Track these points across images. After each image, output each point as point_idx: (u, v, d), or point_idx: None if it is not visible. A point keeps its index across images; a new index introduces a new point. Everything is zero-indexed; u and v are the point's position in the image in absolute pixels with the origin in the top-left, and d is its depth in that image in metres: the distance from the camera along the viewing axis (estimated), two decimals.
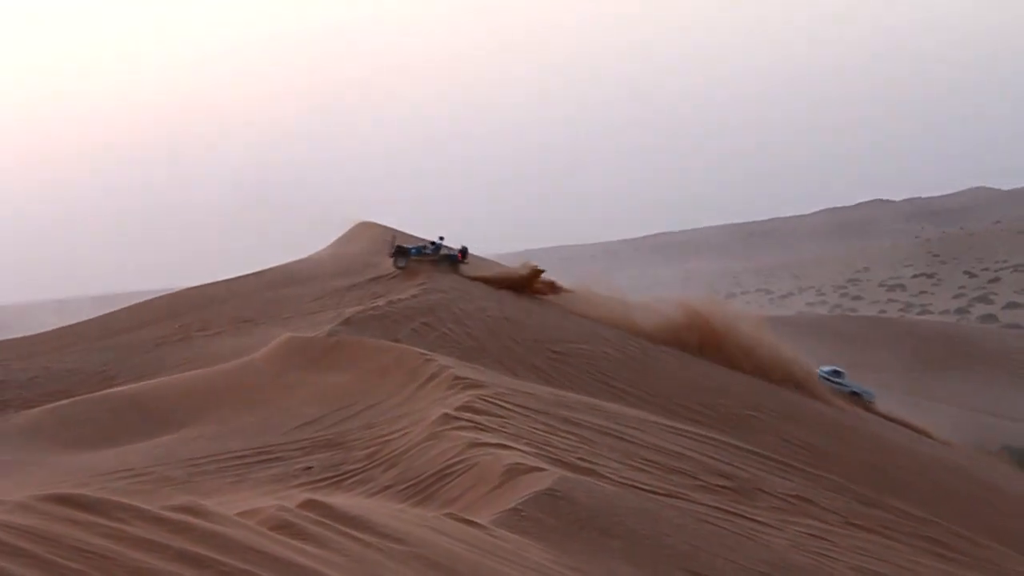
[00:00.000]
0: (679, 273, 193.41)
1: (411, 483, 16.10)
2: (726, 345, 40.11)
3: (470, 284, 41.60)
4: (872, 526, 19.12)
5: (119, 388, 31.99)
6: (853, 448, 31.22)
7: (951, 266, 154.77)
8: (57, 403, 30.85)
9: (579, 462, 16.35)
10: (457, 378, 22.34)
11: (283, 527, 8.58)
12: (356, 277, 43.62)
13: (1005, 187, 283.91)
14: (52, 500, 7.53)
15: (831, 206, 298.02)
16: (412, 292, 38.82)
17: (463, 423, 17.82)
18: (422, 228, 47.83)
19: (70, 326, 47.36)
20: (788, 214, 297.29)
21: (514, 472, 14.11)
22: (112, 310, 50.19)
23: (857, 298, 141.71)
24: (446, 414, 18.47)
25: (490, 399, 19.96)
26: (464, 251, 44.79)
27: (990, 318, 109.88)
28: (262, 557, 7.62)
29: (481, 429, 17.44)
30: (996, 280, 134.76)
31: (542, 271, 43.63)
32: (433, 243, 44.53)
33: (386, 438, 19.80)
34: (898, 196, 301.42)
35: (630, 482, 16.07)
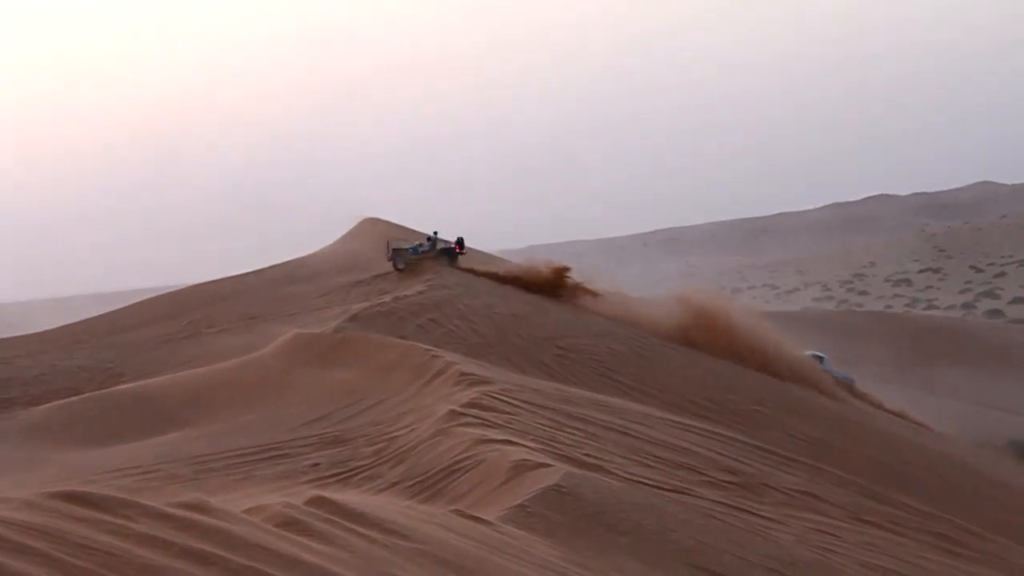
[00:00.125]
0: (685, 268, 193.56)
1: (418, 479, 16.11)
2: (737, 343, 40.10)
3: (476, 280, 41.57)
4: (878, 521, 19.11)
5: (125, 385, 32.04)
6: (859, 443, 31.19)
7: (957, 261, 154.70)
8: (64, 400, 30.91)
9: (585, 458, 16.34)
10: (463, 374, 22.34)
11: (290, 524, 8.58)
12: (362, 273, 43.66)
13: (1011, 182, 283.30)
14: (58, 497, 7.54)
15: (836, 201, 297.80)
16: (418, 288, 38.82)
17: (470, 419, 17.82)
18: (425, 225, 47.87)
19: (76, 323, 47.44)
20: (794, 209, 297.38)
21: (521, 468, 14.11)
22: (114, 308, 50.27)
23: (863, 293, 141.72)
24: (453, 410, 18.47)
25: (496, 395, 19.96)
26: (460, 242, 44.81)
27: (996, 313, 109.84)
28: (268, 554, 7.62)
29: (488, 425, 17.44)
30: (1002, 275, 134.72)
31: (568, 269, 43.28)
32: (428, 238, 44.53)
33: (393, 434, 19.80)
34: (904, 191, 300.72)
35: (636, 478, 16.07)
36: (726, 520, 15.12)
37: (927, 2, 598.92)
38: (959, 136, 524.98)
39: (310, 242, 58.00)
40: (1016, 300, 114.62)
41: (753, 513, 16.22)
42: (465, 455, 15.65)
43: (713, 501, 16.11)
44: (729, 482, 18.06)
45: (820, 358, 46.13)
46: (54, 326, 48.40)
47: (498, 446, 15.53)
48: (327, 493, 10.13)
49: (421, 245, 43.98)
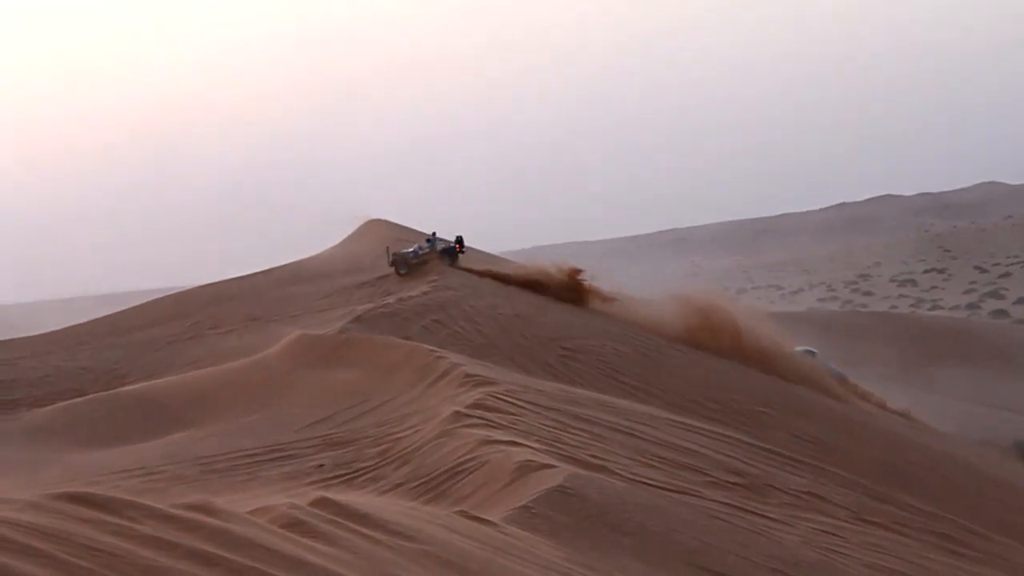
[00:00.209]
0: (689, 269, 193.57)
1: (422, 481, 16.11)
2: (742, 344, 40.10)
3: (481, 281, 41.57)
4: (883, 522, 19.10)
5: (130, 386, 32.07)
6: (863, 444, 31.18)
7: (962, 261, 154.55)
8: (68, 401, 30.94)
9: (590, 459, 16.34)
10: (468, 375, 22.34)
11: (294, 525, 8.59)
12: (366, 275, 43.68)
13: (1016, 182, 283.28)
14: (63, 498, 7.55)
15: (841, 201, 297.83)
16: (423, 289, 38.83)
17: (474, 420, 17.83)
18: (427, 225, 47.84)
19: (80, 325, 47.47)
20: (798, 210, 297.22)
21: (525, 469, 14.11)
22: (116, 309, 50.32)
23: (868, 294, 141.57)
24: (457, 411, 18.47)
25: (501, 396, 19.96)
26: (460, 240, 44.85)
27: (1001, 313, 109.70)
28: (272, 555, 7.63)
29: (492, 426, 17.44)
30: (1007, 275, 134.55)
31: (580, 271, 43.16)
32: (428, 240, 44.54)
33: (397, 436, 19.81)
34: (909, 191, 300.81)
35: (641, 479, 16.07)
36: (730, 521, 15.12)
37: (933, 2, 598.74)
38: (964, 136, 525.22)
39: (311, 243, 58.06)
40: (1021, 300, 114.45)
41: (758, 514, 16.22)
42: (469, 456, 15.66)
43: (718, 502, 16.11)
44: (734, 483, 18.06)
45: (812, 353, 46.12)
46: (57, 327, 48.42)
47: (502, 447, 15.53)
48: (332, 494, 10.14)
49: (421, 247, 43.95)
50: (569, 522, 12.44)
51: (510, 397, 20.03)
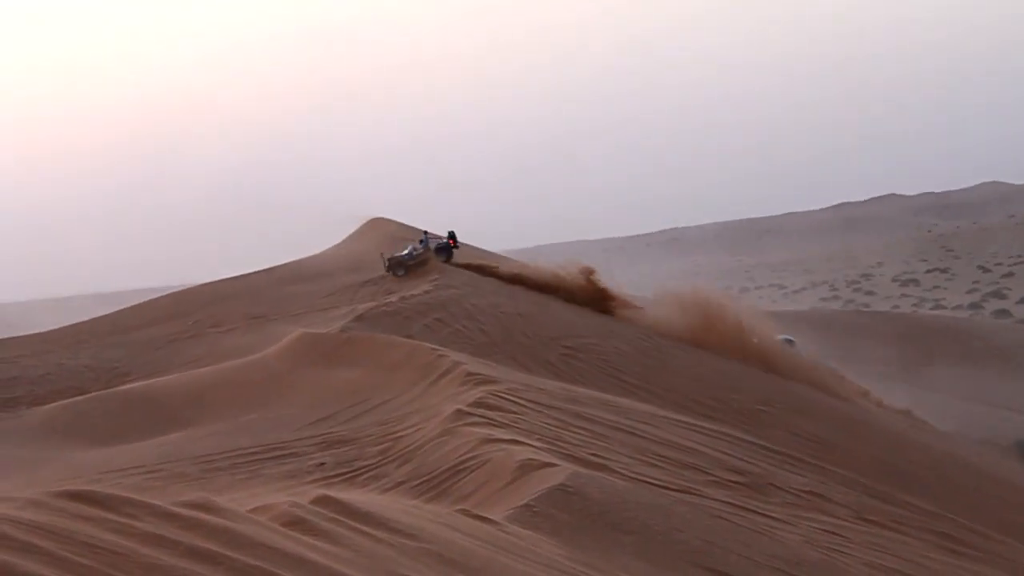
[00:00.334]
0: (691, 268, 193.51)
1: (424, 479, 16.11)
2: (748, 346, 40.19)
3: (482, 280, 41.59)
4: (884, 521, 19.11)
5: (131, 385, 32.09)
6: (864, 443, 31.18)
7: (964, 261, 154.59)
8: (69, 399, 30.95)
9: (591, 458, 16.34)
10: (470, 374, 22.35)
11: (295, 523, 8.59)
12: (368, 273, 43.66)
13: (1019, 182, 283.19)
14: (64, 496, 7.54)
15: (844, 201, 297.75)
16: (424, 288, 38.85)
17: (476, 419, 17.83)
18: (428, 225, 47.75)
19: (81, 323, 47.47)
20: (801, 209, 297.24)
21: (527, 468, 14.11)
22: (115, 308, 50.31)
23: (870, 293, 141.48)
24: (459, 410, 18.48)
25: (503, 395, 19.96)
26: (452, 236, 44.90)
27: (1003, 313, 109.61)
28: (274, 553, 7.63)
29: (494, 425, 17.44)
30: (1010, 275, 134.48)
31: (593, 271, 43.17)
32: (421, 240, 44.52)
33: (399, 434, 19.82)
34: (911, 191, 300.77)
35: (642, 477, 16.06)
36: (732, 520, 15.12)
37: (934, 1, 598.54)
38: (966, 136, 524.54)
39: (311, 242, 57.99)
40: (1023, 300, 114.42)
41: (759, 513, 16.22)
42: (471, 454, 15.66)
43: (719, 501, 16.11)
44: (735, 482, 18.06)
45: (790, 341, 46.15)
46: (55, 326, 48.41)
47: (504, 445, 15.53)
48: (333, 492, 10.14)
49: (415, 248, 43.93)
50: (571, 521, 12.43)
51: (512, 396, 20.04)
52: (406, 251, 43.87)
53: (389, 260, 43.47)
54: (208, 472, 20.50)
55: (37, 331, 48.02)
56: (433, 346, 26.85)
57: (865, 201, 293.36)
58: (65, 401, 30.68)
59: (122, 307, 49.85)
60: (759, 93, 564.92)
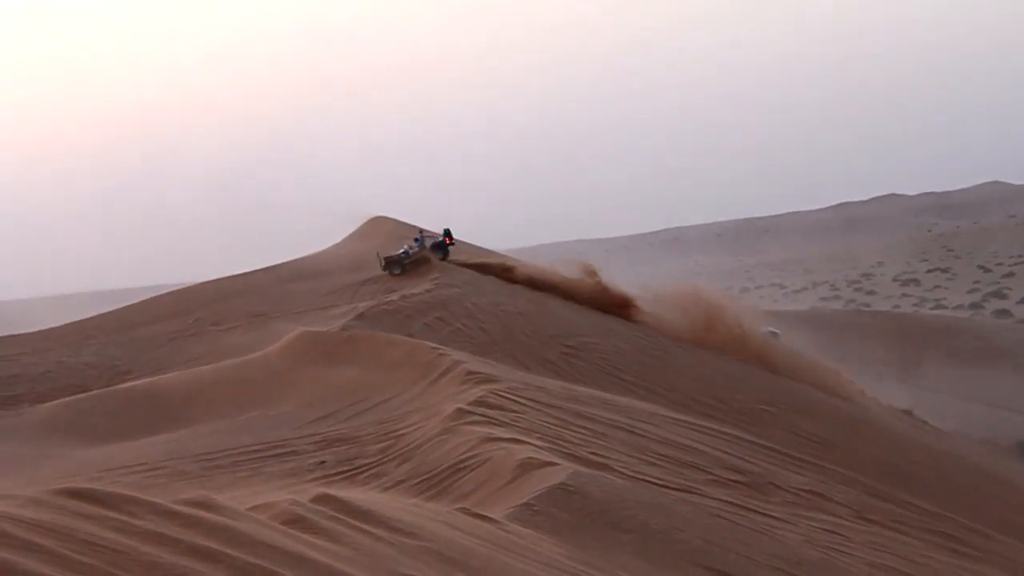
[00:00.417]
0: (693, 268, 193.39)
1: (424, 477, 16.12)
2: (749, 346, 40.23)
3: (483, 278, 41.56)
4: (884, 521, 19.11)
5: (133, 383, 32.07)
6: (865, 442, 31.16)
7: (965, 261, 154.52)
8: (71, 397, 30.94)
9: (592, 456, 16.35)
10: (470, 373, 22.36)
11: (296, 521, 8.59)
12: (369, 272, 43.62)
13: (1019, 182, 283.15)
14: (64, 494, 7.55)
15: (844, 201, 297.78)
16: (425, 287, 38.83)
17: (476, 418, 17.84)
18: (430, 225, 47.73)
19: (83, 320, 47.42)
20: (802, 209, 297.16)
21: (527, 467, 14.11)
22: (116, 305, 50.25)
23: (871, 293, 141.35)
24: (459, 409, 18.49)
25: (503, 394, 19.97)
26: (448, 233, 44.91)
27: (1004, 313, 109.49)
28: (274, 551, 7.63)
29: (494, 424, 17.45)
30: (1010, 275, 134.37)
31: (596, 271, 43.13)
32: (416, 239, 44.51)
33: (399, 432, 19.82)
34: (912, 191, 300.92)
35: (642, 476, 16.07)
36: (732, 519, 15.12)
37: (935, 1, 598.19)
38: (967, 136, 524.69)
39: (312, 241, 57.89)
40: None
41: (759, 512, 16.22)
42: (471, 453, 15.66)
43: (719, 500, 16.11)
44: (736, 481, 18.06)
45: (775, 334, 46.11)
46: (56, 324, 48.37)
47: (504, 444, 15.53)
48: (333, 491, 10.14)
49: (411, 247, 43.90)
50: (571, 520, 12.43)
51: (512, 395, 20.04)
52: (402, 250, 43.85)
53: (385, 259, 43.43)
54: (209, 470, 20.50)
55: (38, 329, 48.00)
56: (434, 345, 26.85)
57: (866, 201, 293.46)
58: (66, 399, 30.67)
59: (123, 305, 49.81)
60: (760, 93, 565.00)
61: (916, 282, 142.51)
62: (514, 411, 18.76)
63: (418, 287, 39.10)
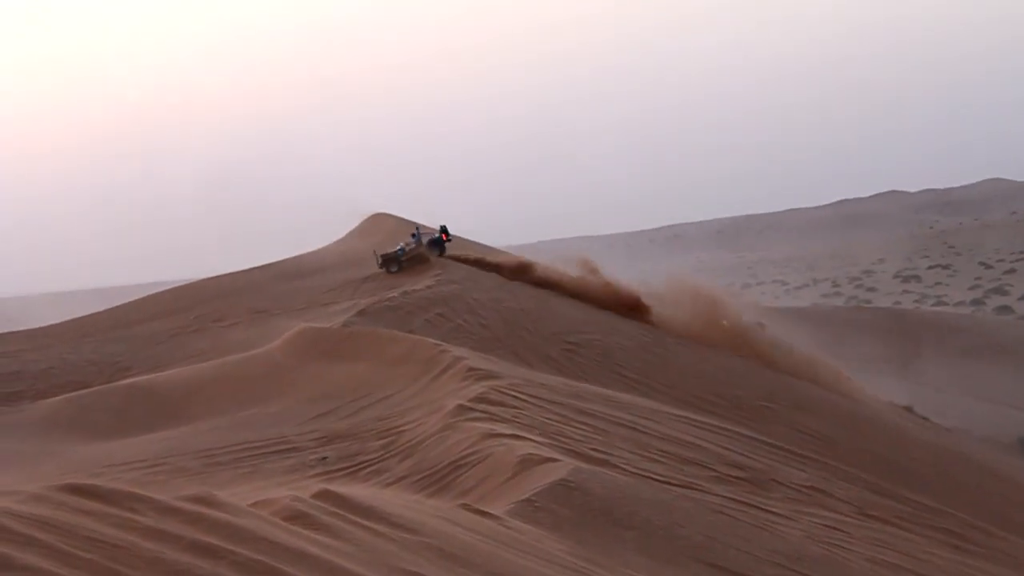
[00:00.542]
0: (693, 265, 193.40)
1: (426, 474, 16.12)
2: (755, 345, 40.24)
3: (484, 275, 41.57)
4: (886, 517, 19.10)
5: (133, 379, 32.07)
6: (866, 439, 31.15)
7: (966, 257, 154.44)
8: (72, 393, 30.93)
9: (593, 453, 16.34)
10: (471, 369, 22.35)
11: (297, 518, 8.58)
12: (370, 268, 43.61)
13: (1021, 179, 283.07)
14: (65, 490, 7.54)
15: (846, 197, 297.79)
16: (427, 283, 38.81)
17: (478, 414, 17.83)
18: (432, 221, 47.70)
19: (83, 317, 47.42)
20: (803, 205, 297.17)
21: (528, 463, 14.11)
22: (116, 302, 50.28)
23: (872, 289, 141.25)
24: (461, 405, 18.48)
25: (504, 390, 19.96)
26: (444, 230, 44.96)
27: (1005, 309, 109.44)
28: (275, 547, 7.62)
29: (496, 420, 17.45)
30: (1012, 271, 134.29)
31: (590, 264, 43.21)
32: (412, 235, 44.52)
33: (401, 429, 19.82)
34: (913, 187, 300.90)
35: (644, 473, 16.06)
36: (734, 516, 15.11)
37: None
38: (968, 133, 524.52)
39: (313, 238, 57.85)
40: None
41: (761, 509, 16.21)
42: (473, 449, 15.66)
43: (721, 496, 16.11)
44: (737, 477, 18.05)
45: (761, 326, 46.10)
46: (56, 321, 48.38)
47: (506, 441, 15.53)
48: (335, 487, 10.13)
49: (407, 244, 43.91)
50: (572, 516, 12.42)
51: (513, 391, 20.04)
52: (398, 247, 43.86)
53: (382, 257, 43.43)
54: (210, 466, 20.51)
55: (38, 325, 48.01)
56: (435, 341, 26.84)
57: (867, 198, 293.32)
58: (67, 395, 30.67)
59: (124, 302, 49.82)
60: (761, 90, 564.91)
61: (917, 279, 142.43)
62: (515, 407, 18.75)
63: (419, 283, 39.08)
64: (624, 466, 16.02)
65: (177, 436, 24.08)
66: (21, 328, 47.93)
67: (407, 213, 55.04)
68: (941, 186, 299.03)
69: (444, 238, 44.69)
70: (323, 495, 9.38)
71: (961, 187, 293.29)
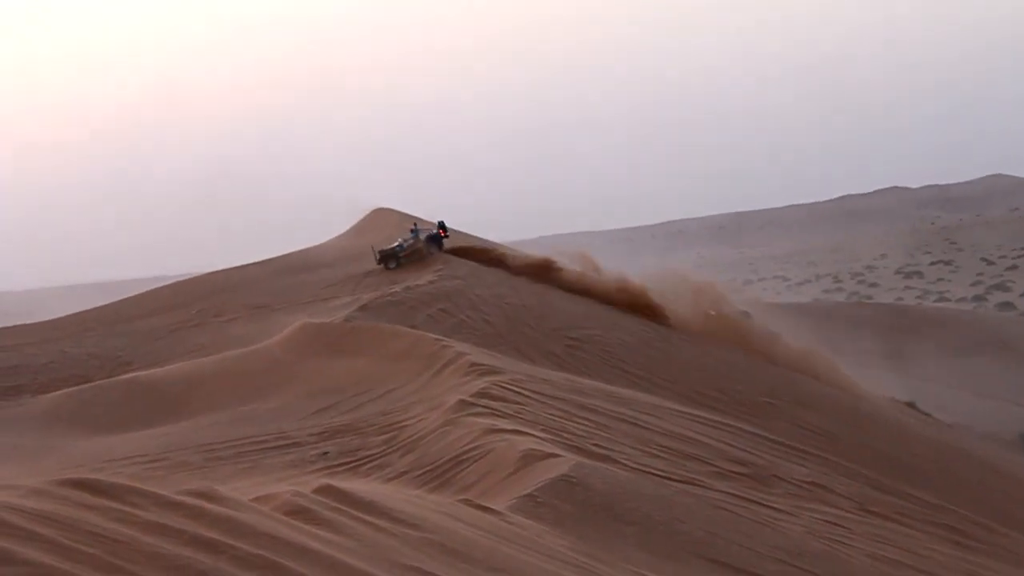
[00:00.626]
0: (695, 260, 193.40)
1: (427, 469, 16.12)
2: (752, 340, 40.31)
3: (486, 270, 41.58)
4: (887, 513, 19.09)
5: (135, 373, 32.07)
6: (868, 435, 31.16)
7: (968, 253, 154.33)
8: (73, 388, 30.94)
9: (595, 448, 16.34)
10: (473, 364, 22.35)
11: (298, 512, 8.57)
12: (372, 263, 43.61)
13: (1022, 174, 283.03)
14: (67, 485, 7.53)
15: (848, 193, 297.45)
16: (429, 278, 38.81)
17: (479, 409, 17.83)
18: (434, 216, 47.73)
19: (85, 312, 47.45)
20: (805, 201, 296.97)
21: (530, 458, 14.11)
22: (117, 296, 50.31)
23: (874, 285, 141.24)
24: (462, 400, 18.48)
25: (506, 386, 19.96)
26: (442, 225, 45.01)
27: (1007, 305, 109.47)
28: (276, 542, 7.61)
29: (497, 415, 17.45)
30: (1013, 268, 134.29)
31: (590, 260, 43.34)
32: (411, 230, 44.52)
33: (402, 424, 19.82)
34: (915, 183, 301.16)
35: (645, 468, 16.06)
36: (735, 511, 15.10)
37: None
38: (970, 129, 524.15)
39: (314, 233, 57.90)
40: None
41: (762, 504, 16.21)
42: (474, 445, 15.66)
43: (722, 492, 16.10)
44: (738, 473, 18.05)
45: (746, 314, 46.08)
46: (57, 315, 48.41)
47: (507, 436, 15.53)
48: (336, 482, 10.12)
49: (406, 240, 43.91)
50: (574, 511, 12.42)
51: (515, 386, 20.03)
52: (396, 243, 43.87)
53: (380, 253, 43.42)
54: (211, 461, 20.51)
55: (39, 320, 48.03)
56: (437, 336, 26.85)
57: (869, 194, 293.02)
58: (68, 390, 30.68)
59: (125, 296, 49.84)
60: (763, 85, 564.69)
61: (919, 275, 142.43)
62: (517, 403, 18.75)
63: (422, 278, 39.09)
64: (625, 462, 16.02)
65: (178, 431, 24.08)
66: (22, 323, 47.94)
67: (408, 209, 55.08)
68: (943, 182, 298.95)
69: (442, 234, 44.69)
70: (324, 490, 9.37)
71: (963, 183, 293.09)
